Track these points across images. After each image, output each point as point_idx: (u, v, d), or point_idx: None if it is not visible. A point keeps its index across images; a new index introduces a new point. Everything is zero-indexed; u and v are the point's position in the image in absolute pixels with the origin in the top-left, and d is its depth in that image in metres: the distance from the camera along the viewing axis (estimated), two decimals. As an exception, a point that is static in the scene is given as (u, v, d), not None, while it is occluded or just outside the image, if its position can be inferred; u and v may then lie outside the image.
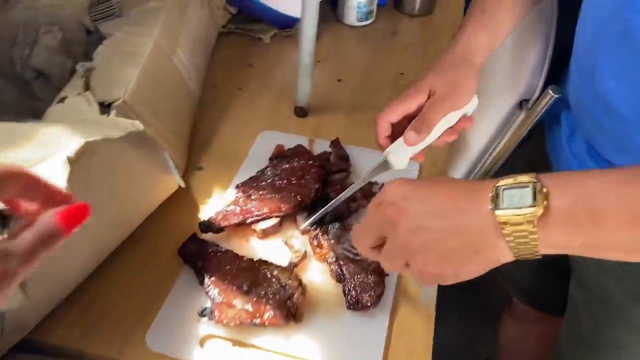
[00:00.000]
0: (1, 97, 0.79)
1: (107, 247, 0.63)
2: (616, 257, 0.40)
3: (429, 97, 0.59)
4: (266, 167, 0.73)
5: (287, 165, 0.72)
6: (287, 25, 1.04)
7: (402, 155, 0.59)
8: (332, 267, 0.63)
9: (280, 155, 0.75)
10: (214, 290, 0.59)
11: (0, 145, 0.51)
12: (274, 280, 0.59)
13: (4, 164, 0.34)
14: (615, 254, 0.40)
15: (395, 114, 0.59)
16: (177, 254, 0.64)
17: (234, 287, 0.59)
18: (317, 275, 0.63)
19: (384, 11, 1.14)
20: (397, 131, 0.60)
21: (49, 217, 0.34)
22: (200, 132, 0.83)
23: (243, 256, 0.62)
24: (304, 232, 0.67)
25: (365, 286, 0.60)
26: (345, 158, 0.76)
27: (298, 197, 0.67)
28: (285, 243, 0.65)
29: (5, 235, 0.35)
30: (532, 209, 0.38)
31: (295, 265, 0.63)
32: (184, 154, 0.76)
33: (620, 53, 0.52)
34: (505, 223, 0.38)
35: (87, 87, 0.69)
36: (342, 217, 0.68)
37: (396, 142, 0.60)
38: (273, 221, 0.66)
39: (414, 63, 1.00)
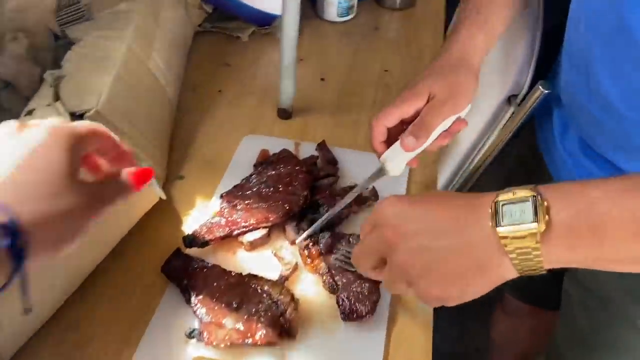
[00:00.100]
0: (-35, 109, 0.74)
1: (85, 268, 0.59)
2: (624, 268, 0.39)
3: (427, 101, 0.57)
4: (251, 175, 0.70)
5: (273, 172, 0.69)
6: (265, 22, 1.00)
7: (398, 161, 0.58)
8: (324, 278, 0.60)
9: (265, 162, 0.72)
10: (201, 309, 0.56)
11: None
12: (264, 295, 0.57)
13: (89, 122, 0.40)
14: (623, 266, 0.39)
15: (392, 118, 0.57)
16: (161, 272, 0.61)
17: (223, 305, 0.56)
18: (310, 287, 0.61)
19: (365, 5, 1.11)
20: (391, 135, 0.58)
21: (124, 174, 0.41)
22: (179, 138, 0.80)
23: (231, 271, 0.59)
24: (293, 243, 0.64)
25: (359, 295, 0.58)
26: (333, 162, 0.73)
27: (286, 205, 0.64)
28: (275, 255, 0.62)
29: None
30: (534, 225, 0.37)
31: (286, 278, 0.60)
32: (164, 164, 0.73)
33: (616, 49, 0.51)
34: (507, 240, 0.37)
35: (56, 96, 0.65)
36: (333, 226, 0.65)
37: (392, 148, 0.58)
38: (261, 232, 0.63)
39: (398, 59, 0.97)
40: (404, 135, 0.56)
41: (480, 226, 0.39)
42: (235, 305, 0.55)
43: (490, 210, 0.38)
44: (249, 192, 0.67)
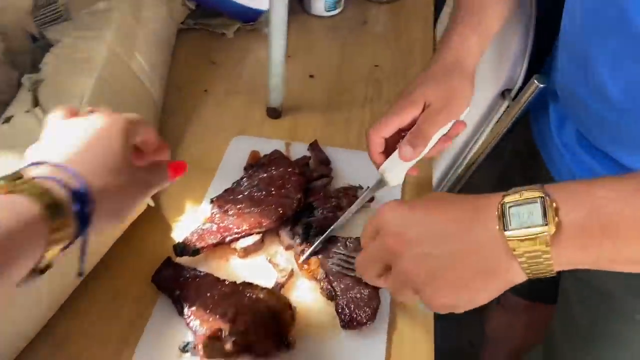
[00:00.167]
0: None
1: (72, 281, 0.56)
2: (638, 269, 0.38)
3: (423, 109, 0.56)
4: (242, 178, 0.68)
5: (265, 175, 0.67)
6: (251, 18, 0.98)
7: (397, 171, 0.57)
8: (322, 284, 0.58)
9: (256, 164, 0.70)
10: (195, 321, 0.53)
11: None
12: (260, 304, 0.54)
13: (137, 115, 0.44)
14: (636, 266, 0.37)
15: (389, 128, 0.56)
16: (151, 282, 0.58)
17: (217, 316, 0.53)
18: (307, 294, 0.59)
19: (353, -1, 1.09)
20: (389, 144, 0.57)
21: (164, 164, 0.46)
22: (165, 140, 0.76)
23: (224, 280, 0.57)
24: (288, 248, 0.62)
25: (359, 301, 0.56)
26: (326, 162, 0.71)
27: (280, 209, 0.62)
28: (270, 261, 0.60)
29: None
30: (544, 228, 0.35)
31: (282, 285, 0.58)
32: (151, 168, 0.70)
33: (615, 41, 0.50)
34: (515, 244, 0.36)
35: (35, 101, 0.62)
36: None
37: (390, 158, 0.57)
38: (254, 238, 0.61)
39: (388, 54, 0.95)
40: (402, 144, 0.55)
41: (487, 229, 0.37)
42: (230, 316, 0.53)
43: (496, 213, 0.37)
44: (241, 196, 0.65)
